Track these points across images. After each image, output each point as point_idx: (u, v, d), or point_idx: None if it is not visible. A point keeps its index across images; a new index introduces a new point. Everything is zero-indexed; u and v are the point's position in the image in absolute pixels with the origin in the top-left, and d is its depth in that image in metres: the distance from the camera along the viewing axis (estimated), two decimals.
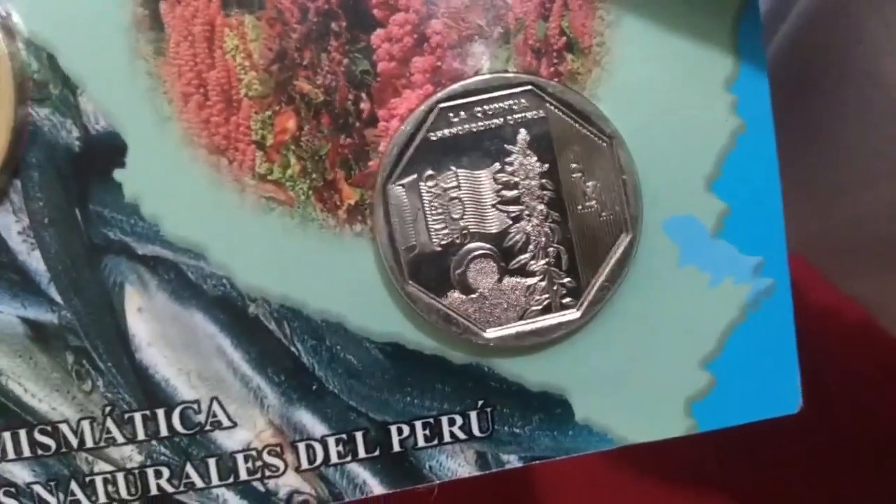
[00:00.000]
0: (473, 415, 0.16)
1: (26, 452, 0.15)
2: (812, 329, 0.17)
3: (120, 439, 0.15)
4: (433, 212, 0.15)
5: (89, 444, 0.15)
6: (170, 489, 0.15)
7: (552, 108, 0.15)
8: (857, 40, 0.16)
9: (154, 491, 0.15)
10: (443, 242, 0.15)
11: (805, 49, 0.18)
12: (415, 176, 0.15)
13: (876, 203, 0.17)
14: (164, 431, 0.15)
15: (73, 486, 0.15)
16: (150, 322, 0.15)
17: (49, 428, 0.15)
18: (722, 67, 0.15)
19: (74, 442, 0.15)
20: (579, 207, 0.15)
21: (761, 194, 0.16)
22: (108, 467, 0.15)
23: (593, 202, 0.15)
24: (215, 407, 0.15)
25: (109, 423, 0.15)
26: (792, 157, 0.16)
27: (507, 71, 0.15)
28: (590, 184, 0.15)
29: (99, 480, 0.15)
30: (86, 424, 0.15)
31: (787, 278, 0.16)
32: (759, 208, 0.16)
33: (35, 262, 0.14)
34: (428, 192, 0.15)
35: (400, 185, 0.15)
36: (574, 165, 0.15)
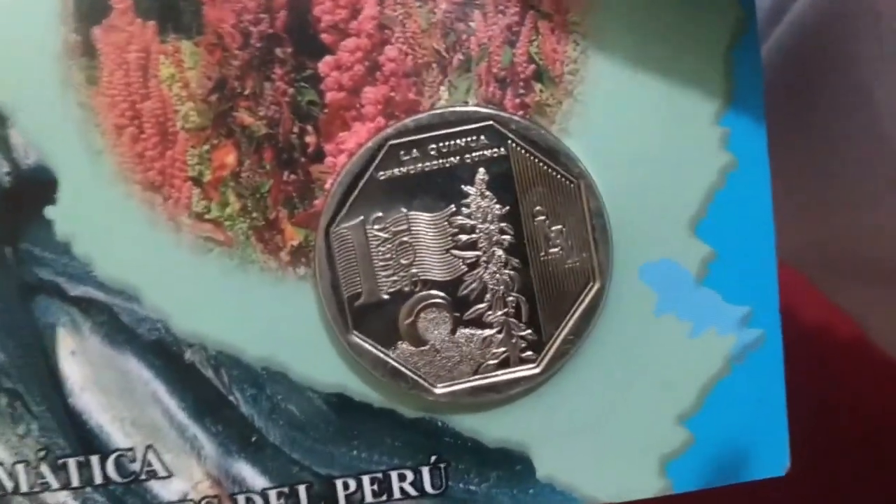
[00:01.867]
0: (426, 470, 0.15)
1: None
2: (802, 341, 0.16)
3: (55, 485, 0.14)
4: (380, 257, 0.14)
5: (24, 488, 0.14)
6: None
7: (514, 145, 0.14)
8: (852, 57, 0.15)
9: None
10: (391, 290, 0.14)
11: (800, 58, 0.17)
12: (361, 218, 0.14)
13: (868, 223, 0.16)
14: (98, 479, 0.14)
15: None
16: (83, 366, 0.14)
17: None
18: (712, 97, 0.14)
19: (9, 485, 0.14)
20: (542, 254, 0.14)
21: (752, 237, 0.15)
22: None
23: (558, 248, 0.14)
24: (150, 456, 0.14)
25: (44, 468, 0.14)
26: (784, 165, 0.14)
27: (466, 103, 0.14)
28: (554, 228, 0.14)
29: None
30: (20, 468, 0.14)
31: (777, 330, 0.15)
32: (749, 253, 0.15)
33: None
34: (375, 235, 0.14)
35: (345, 227, 0.14)
36: (538, 208, 0.14)
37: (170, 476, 0.14)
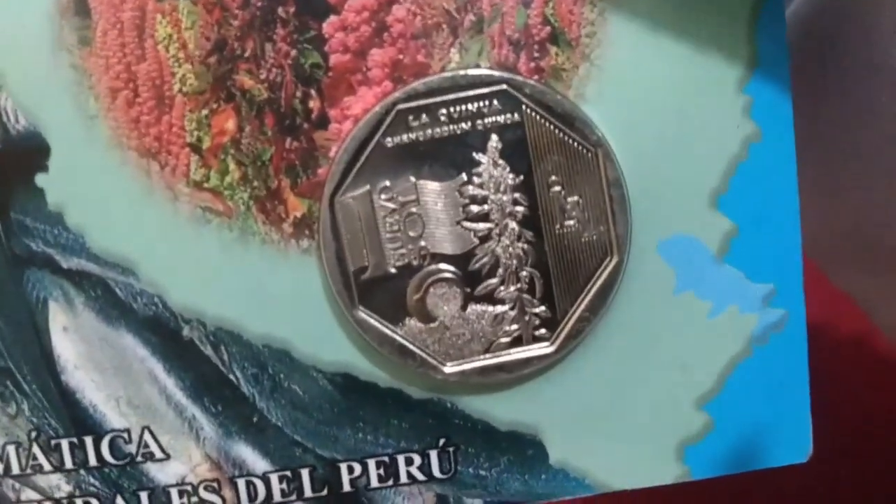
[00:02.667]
0: (434, 454, 0.14)
1: None
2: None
3: (47, 467, 0.14)
4: (388, 229, 0.13)
5: (15, 470, 0.14)
6: None
7: (529, 111, 0.13)
8: (868, 32, 0.14)
9: None
10: (398, 264, 0.13)
11: (815, 32, 0.16)
12: (367, 187, 0.13)
13: (880, 209, 0.16)
14: (92, 461, 0.14)
15: None
16: (76, 342, 0.13)
17: None
18: (735, 63, 0.13)
19: (0, 468, 0.14)
20: (558, 226, 0.13)
21: (775, 212, 0.14)
22: (36, 496, 0.14)
23: (574, 220, 0.13)
24: (147, 437, 0.14)
25: (36, 450, 0.14)
26: (796, 144, 0.14)
27: (478, 66, 0.13)
28: (571, 199, 0.13)
29: None
30: (11, 449, 0.14)
31: (801, 309, 0.14)
32: (773, 228, 0.14)
33: None
34: (382, 206, 0.13)
35: (350, 197, 0.13)
36: (553, 178, 0.13)
37: (167, 458, 0.14)
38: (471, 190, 0.13)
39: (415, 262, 0.13)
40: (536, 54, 0.13)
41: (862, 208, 0.17)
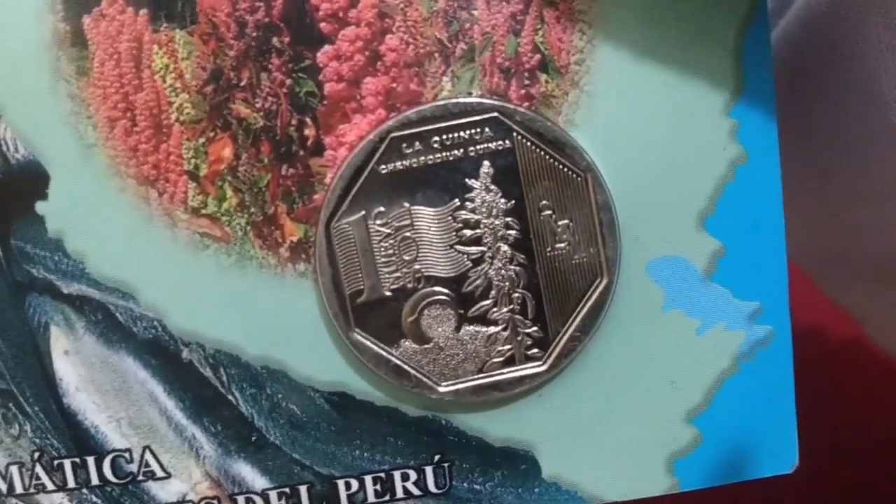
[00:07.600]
0: (429, 470, 0.15)
1: None
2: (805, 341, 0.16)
3: (50, 486, 0.14)
4: (383, 253, 0.14)
5: (18, 489, 0.14)
6: None
7: (520, 137, 0.13)
8: (858, 48, 0.15)
9: None
10: (393, 287, 0.14)
11: (805, 51, 0.17)
12: (363, 213, 0.13)
13: (873, 220, 0.16)
14: (94, 480, 0.14)
15: None
16: (77, 366, 0.14)
17: None
18: (721, 88, 0.14)
19: (3, 487, 0.14)
20: (549, 249, 0.14)
21: (761, 232, 0.14)
22: None
23: (565, 243, 0.14)
24: (148, 456, 0.14)
25: (39, 470, 0.14)
26: (786, 160, 0.14)
27: (470, 94, 0.13)
28: (561, 223, 0.14)
29: None
30: (14, 470, 0.14)
31: (787, 326, 0.15)
32: (759, 248, 0.15)
33: None
34: (377, 230, 0.13)
35: (346, 222, 0.13)
36: (544, 202, 0.14)
37: (168, 477, 0.14)
38: (464, 214, 0.14)
39: (409, 285, 0.14)
40: (527, 82, 0.14)
41: (853, 222, 0.18)
